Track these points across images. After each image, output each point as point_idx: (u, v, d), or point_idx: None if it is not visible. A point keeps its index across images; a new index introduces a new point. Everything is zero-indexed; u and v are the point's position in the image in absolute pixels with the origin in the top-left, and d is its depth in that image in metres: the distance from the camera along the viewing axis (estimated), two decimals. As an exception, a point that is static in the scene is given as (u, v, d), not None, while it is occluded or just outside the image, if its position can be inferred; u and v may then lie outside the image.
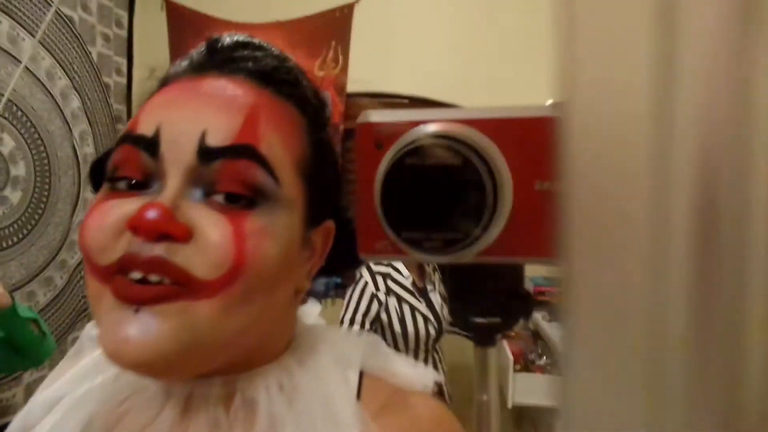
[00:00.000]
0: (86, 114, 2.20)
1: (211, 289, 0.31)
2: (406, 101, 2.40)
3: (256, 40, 0.40)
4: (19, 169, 1.90)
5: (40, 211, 1.98)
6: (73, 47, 2.14)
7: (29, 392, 1.46)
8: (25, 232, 1.93)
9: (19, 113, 1.90)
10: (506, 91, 2.17)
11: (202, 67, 0.38)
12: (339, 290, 2.65)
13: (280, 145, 0.35)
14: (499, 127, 0.25)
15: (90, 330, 0.45)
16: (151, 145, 0.33)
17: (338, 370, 0.39)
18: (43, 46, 1.99)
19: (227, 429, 0.35)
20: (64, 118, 2.10)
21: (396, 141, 0.25)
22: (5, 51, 1.82)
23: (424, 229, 0.25)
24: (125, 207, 0.32)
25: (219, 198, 0.33)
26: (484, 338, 0.30)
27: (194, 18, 2.41)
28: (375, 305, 1.74)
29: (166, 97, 0.36)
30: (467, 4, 2.55)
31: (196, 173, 0.33)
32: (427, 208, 0.25)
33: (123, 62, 2.44)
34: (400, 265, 1.64)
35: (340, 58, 2.58)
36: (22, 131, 1.92)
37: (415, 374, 0.42)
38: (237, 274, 0.31)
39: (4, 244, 1.83)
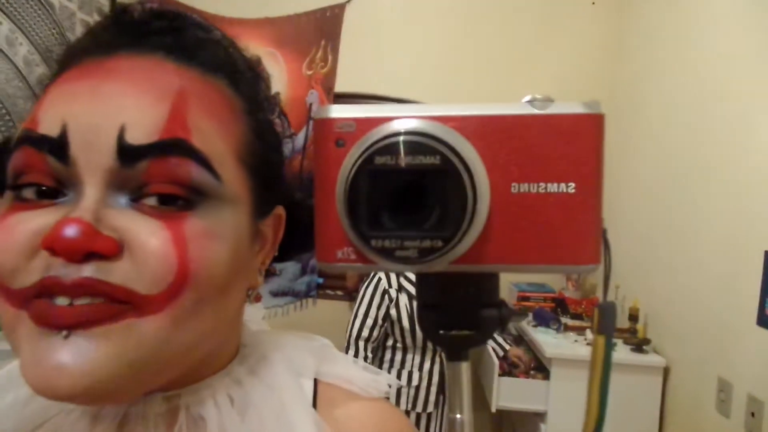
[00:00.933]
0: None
1: (157, 303, 0.27)
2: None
3: (171, 9, 0.34)
4: (-9, 158, 1.84)
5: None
6: (53, 34, 2.08)
7: None
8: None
9: (-6, 100, 1.84)
10: (492, 98, 2.17)
11: (111, 46, 0.31)
12: (320, 290, 2.63)
13: (216, 135, 0.31)
14: (472, 125, 0.23)
15: None
16: (57, 147, 0.28)
17: (292, 378, 0.37)
18: (21, 31, 1.93)
19: None
20: (41, 106, 2.05)
21: (360, 138, 0.23)
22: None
23: (397, 236, 0.23)
24: (36, 221, 0.28)
25: (150, 201, 0.29)
26: (455, 352, 0.28)
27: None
28: (386, 300, 1.74)
29: (69, 86, 0.30)
30: (458, 10, 2.54)
31: (118, 178, 0.28)
32: (402, 213, 0.23)
33: (104, 52, 2.39)
34: None
35: (329, 57, 2.56)
36: (-4, 119, 1.86)
37: (371, 380, 0.40)
38: (183, 285, 0.28)
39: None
